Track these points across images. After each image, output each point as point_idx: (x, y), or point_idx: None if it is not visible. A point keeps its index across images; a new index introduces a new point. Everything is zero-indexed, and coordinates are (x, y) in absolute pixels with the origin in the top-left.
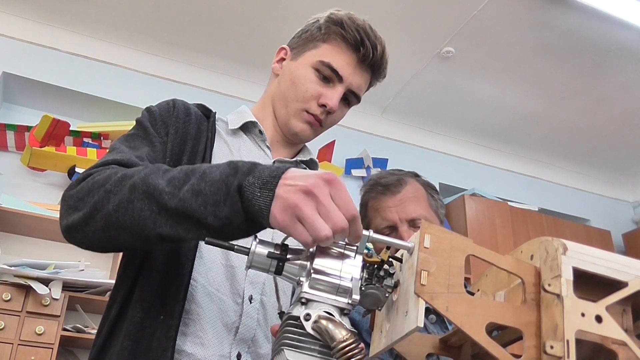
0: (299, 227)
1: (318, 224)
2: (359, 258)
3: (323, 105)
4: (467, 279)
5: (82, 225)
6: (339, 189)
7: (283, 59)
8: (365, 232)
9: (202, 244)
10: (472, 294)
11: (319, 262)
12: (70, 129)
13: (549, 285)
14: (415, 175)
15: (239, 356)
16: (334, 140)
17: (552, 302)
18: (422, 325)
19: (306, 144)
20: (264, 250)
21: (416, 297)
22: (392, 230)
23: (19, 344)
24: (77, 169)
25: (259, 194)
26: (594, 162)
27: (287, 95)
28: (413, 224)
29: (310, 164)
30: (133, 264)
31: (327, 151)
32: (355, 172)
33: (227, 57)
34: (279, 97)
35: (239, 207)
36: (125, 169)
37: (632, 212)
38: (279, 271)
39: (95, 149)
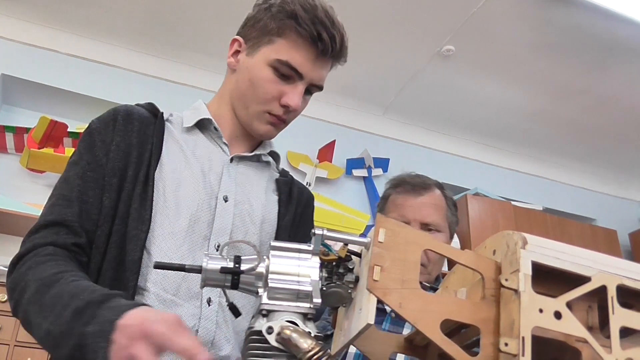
0: None
1: None
2: (315, 259)
3: (285, 106)
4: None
5: (16, 317)
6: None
7: (238, 52)
8: (318, 231)
9: (152, 254)
10: (435, 289)
11: (275, 270)
12: (69, 130)
13: (506, 280)
14: (440, 186)
15: None
16: (334, 140)
17: (510, 298)
18: (372, 323)
19: None
20: (216, 266)
21: (368, 293)
22: None
23: (15, 345)
24: None
25: (100, 345)
26: (600, 161)
27: (246, 96)
28: (425, 228)
29: (273, 156)
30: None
31: (327, 151)
32: (356, 172)
33: (226, 57)
34: (238, 97)
35: (79, 355)
36: (32, 272)
37: (639, 211)
38: (235, 285)
39: None
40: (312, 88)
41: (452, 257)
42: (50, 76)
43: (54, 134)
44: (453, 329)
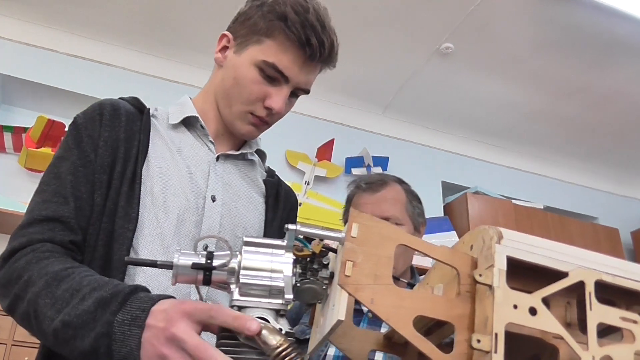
0: None
1: None
2: (289, 254)
3: (268, 108)
4: None
5: (10, 313)
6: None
7: (226, 47)
8: (292, 226)
9: (139, 254)
10: (412, 285)
11: (247, 265)
12: (66, 129)
13: (480, 275)
14: (400, 181)
15: None
16: (333, 139)
17: (484, 294)
18: (343, 319)
19: None
20: (187, 262)
21: (340, 288)
22: None
23: (12, 345)
24: None
25: (128, 333)
26: (601, 159)
27: (230, 95)
28: None
29: (260, 154)
30: None
31: (326, 150)
32: (356, 170)
33: None
34: (223, 95)
35: (105, 346)
36: (33, 267)
37: None
38: (207, 281)
39: None
40: (298, 91)
41: (426, 252)
42: (48, 76)
43: (51, 133)
44: (432, 326)
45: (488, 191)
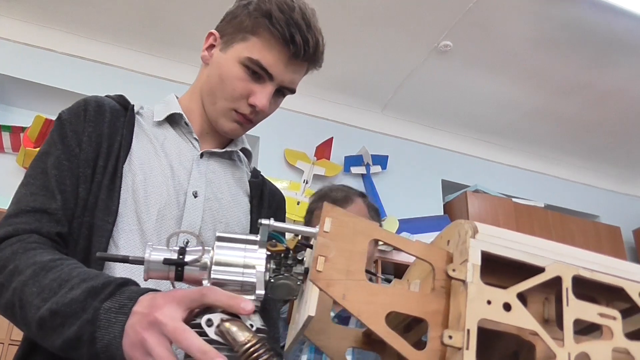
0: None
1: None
2: (262, 250)
3: (252, 105)
4: None
5: None
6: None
7: (213, 46)
8: (265, 221)
9: (120, 248)
10: (389, 281)
11: (220, 261)
12: None
13: (454, 270)
14: (362, 195)
15: None
16: (332, 138)
17: (458, 290)
18: (313, 315)
19: None
20: (159, 257)
21: (312, 284)
22: None
23: (9, 344)
24: None
25: (114, 320)
26: (602, 157)
27: (215, 92)
28: None
29: (246, 153)
30: None
31: (325, 148)
32: (355, 169)
33: None
34: (207, 92)
35: (88, 333)
36: (20, 256)
37: None
38: (179, 277)
39: None
40: (284, 90)
41: (401, 247)
42: (46, 75)
43: (49, 132)
44: (411, 323)
45: (488, 190)
